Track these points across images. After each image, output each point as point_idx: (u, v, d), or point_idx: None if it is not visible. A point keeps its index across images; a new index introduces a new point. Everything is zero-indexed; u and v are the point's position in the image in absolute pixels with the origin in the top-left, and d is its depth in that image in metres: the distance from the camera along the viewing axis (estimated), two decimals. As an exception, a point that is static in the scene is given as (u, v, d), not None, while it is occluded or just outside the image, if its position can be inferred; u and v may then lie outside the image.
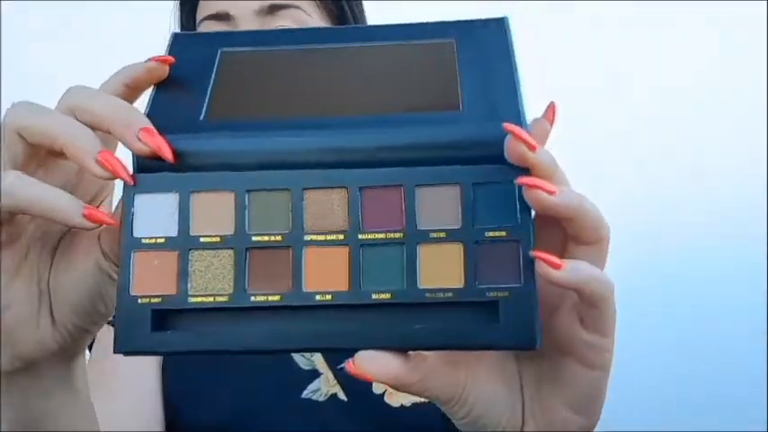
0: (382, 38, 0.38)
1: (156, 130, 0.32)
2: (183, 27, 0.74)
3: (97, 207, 0.36)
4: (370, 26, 0.42)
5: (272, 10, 0.67)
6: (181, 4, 0.74)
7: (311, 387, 0.66)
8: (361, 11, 0.75)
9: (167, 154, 0.32)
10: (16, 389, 0.35)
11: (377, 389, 0.65)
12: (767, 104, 1.40)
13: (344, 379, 0.66)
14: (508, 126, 0.30)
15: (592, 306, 0.31)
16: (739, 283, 1.33)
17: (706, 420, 1.21)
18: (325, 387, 0.66)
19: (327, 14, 0.70)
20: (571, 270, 0.30)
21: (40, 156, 0.33)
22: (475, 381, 0.33)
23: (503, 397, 0.34)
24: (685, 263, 1.30)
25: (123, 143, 0.32)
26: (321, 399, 0.65)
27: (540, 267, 0.30)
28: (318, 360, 0.67)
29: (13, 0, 1.27)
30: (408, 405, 0.63)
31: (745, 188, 1.39)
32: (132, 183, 0.32)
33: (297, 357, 0.67)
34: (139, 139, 0.31)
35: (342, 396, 0.65)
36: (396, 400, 0.64)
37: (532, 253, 0.30)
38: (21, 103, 0.32)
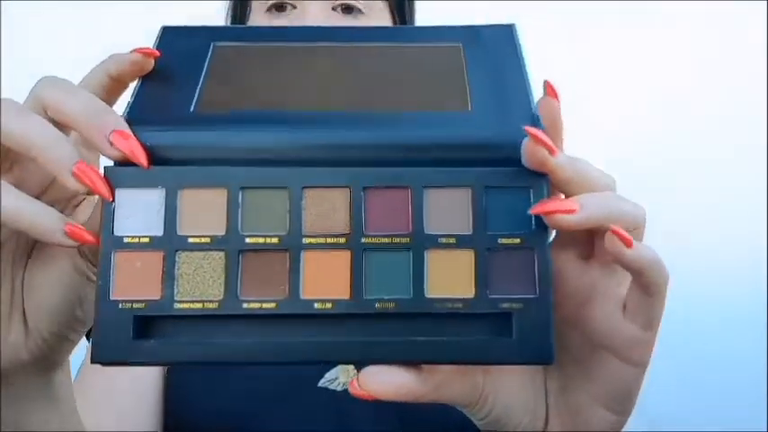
0: (385, 39, 0.36)
1: (130, 133, 0.29)
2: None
3: (77, 205, 0.34)
4: (373, 27, 0.40)
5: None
6: None
7: (328, 376, 0.62)
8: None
9: (141, 159, 0.29)
10: None
11: None
12: (767, 108, 1.38)
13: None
14: (530, 129, 0.28)
15: (646, 294, 0.29)
16: (739, 282, 1.32)
17: (706, 420, 1.20)
18: (343, 376, 0.62)
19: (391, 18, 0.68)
20: (641, 249, 0.28)
21: (14, 154, 0.30)
22: (494, 383, 0.32)
23: (524, 396, 0.33)
24: (685, 261, 1.28)
25: (94, 146, 0.29)
26: (338, 388, 0.61)
27: (613, 243, 0.28)
28: None
29: (13, 0, 1.25)
30: None
31: (744, 188, 1.38)
32: (111, 199, 0.29)
33: None
34: (111, 143, 0.29)
35: None
36: None
37: (610, 226, 0.28)
38: None
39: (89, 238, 0.29)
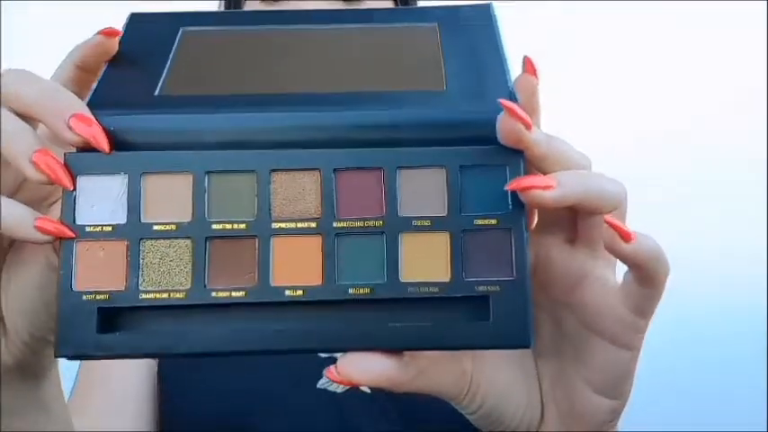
0: (360, 21, 0.35)
1: (91, 117, 0.28)
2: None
3: (52, 204, 0.32)
4: (347, 10, 0.39)
5: None
6: None
7: None
8: None
9: (103, 144, 0.28)
10: None
11: None
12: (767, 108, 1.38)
13: None
14: (505, 102, 0.27)
15: (644, 286, 0.28)
16: (739, 284, 1.31)
17: (706, 420, 1.19)
18: None
19: None
20: (641, 243, 0.27)
21: None
22: (483, 371, 0.31)
23: (518, 385, 0.31)
24: (686, 261, 1.27)
25: (53, 132, 0.28)
26: (339, 390, 0.58)
27: (611, 238, 0.27)
28: None
29: (13, 0, 1.25)
30: None
31: (744, 190, 1.38)
32: (71, 188, 0.28)
33: None
34: (70, 128, 0.27)
35: (364, 387, 0.58)
36: None
37: (605, 218, 0.27)
38: None
39: (66, 231, 0.28)
